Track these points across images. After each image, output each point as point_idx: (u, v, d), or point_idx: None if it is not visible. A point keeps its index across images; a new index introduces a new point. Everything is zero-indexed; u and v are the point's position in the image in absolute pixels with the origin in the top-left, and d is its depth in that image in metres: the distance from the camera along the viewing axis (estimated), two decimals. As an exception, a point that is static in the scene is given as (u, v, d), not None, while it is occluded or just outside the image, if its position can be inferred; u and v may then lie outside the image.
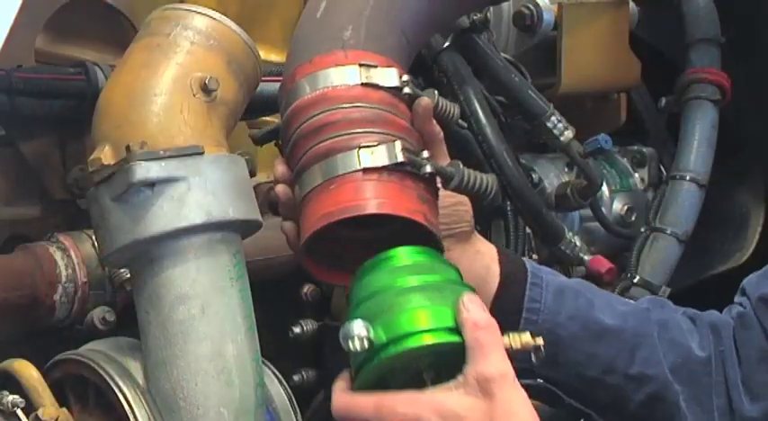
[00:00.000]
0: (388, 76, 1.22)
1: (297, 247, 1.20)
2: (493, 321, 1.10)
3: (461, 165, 1.20)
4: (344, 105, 1.19)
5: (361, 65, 1.21)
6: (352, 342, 1.08)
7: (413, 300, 1.11)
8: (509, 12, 1.87)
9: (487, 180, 1.21)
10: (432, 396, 1.09)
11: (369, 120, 1.19)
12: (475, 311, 1.10)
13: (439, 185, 1.20)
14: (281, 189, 1.21)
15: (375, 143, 1.16)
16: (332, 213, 1.15)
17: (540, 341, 1.13)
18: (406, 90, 1.22)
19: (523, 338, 1.14)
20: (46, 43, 1.52)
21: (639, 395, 1.25)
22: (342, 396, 1.12)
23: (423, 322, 1.10)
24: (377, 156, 1.16)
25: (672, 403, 1.25)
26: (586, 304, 1.27)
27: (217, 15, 1.30)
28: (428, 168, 1.17)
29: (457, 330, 1.10)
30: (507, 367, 1.09)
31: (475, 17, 1.73)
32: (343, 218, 1.15)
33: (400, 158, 1.15)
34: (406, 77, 1.23)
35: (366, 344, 1.09)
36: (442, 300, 1.12)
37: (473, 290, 1.15)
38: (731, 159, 2.09)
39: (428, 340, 1.10)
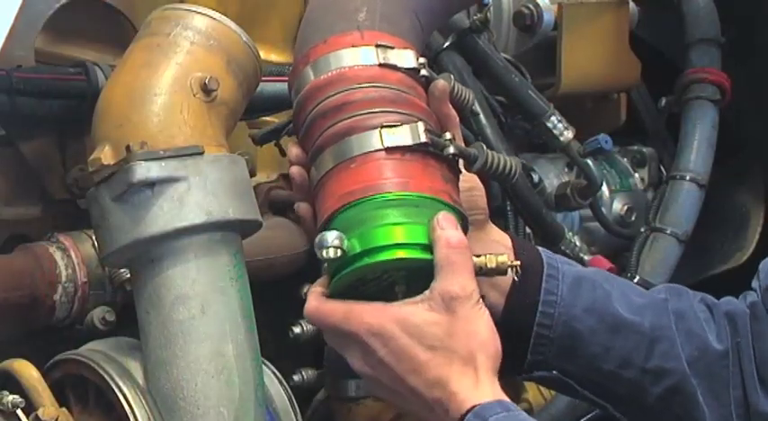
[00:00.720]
0: (406, 58, 1.21)
1: (312, 230, 1.20)
2: (465, 241, 1.12)
3: (484, 147, 1.19)
4: (363, 85, 1.18)
5: (377, 46, 1.20)
6: (326, 251, 1.11)
7: (390, 214, 1.13)
8: (509, 12, 1.87)
9: (511, 162, 1.21)
10: (398, 308, 1.12)
11: (388, 100, 1.18)
12: (448, 229, 1.12)
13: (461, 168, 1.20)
14: (295, 170, 1.21)
15: (398, 123, 1.16)
16: (354, 192, 1.15)
17: (516, 262, 1.16)
18: (423, 72, 1.22)
19: (499, 259, 1.16)
20: (46, 43, 1.52)
21: (657, 388, 1.24)
22: (315, 299, 1.16)
23: (397, 237, 1.13)
24: (399, 135, 1.15)
25: (690, 396, 1.24)
26: (603, 296, 1.25)
27: (217, 15, 1.30)
28: (451, 149, 1.16)
29: (429, 247, 1.13)
30: (473, 287, 1.12)
31: (475, 17, 1.73)
32: (365, 196, 1.14)
33: (423, 139, 1.14)
34: (422, 60, 1.22)
35: (339, 253, 1.12)
36: (419, 216, 1.14)
37: (455, 210, 1.16)
38: (731, 159, 2.09)
39: (400, 254, 1.13)
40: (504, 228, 1.72)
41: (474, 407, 1.09)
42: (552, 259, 1.27)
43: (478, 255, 1.16)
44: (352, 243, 1.13)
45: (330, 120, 1.18)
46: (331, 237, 1.12)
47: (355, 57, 1.20)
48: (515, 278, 1.20)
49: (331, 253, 1.12)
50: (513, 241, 1.27)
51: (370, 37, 1.21)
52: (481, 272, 1.16)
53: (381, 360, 1.13)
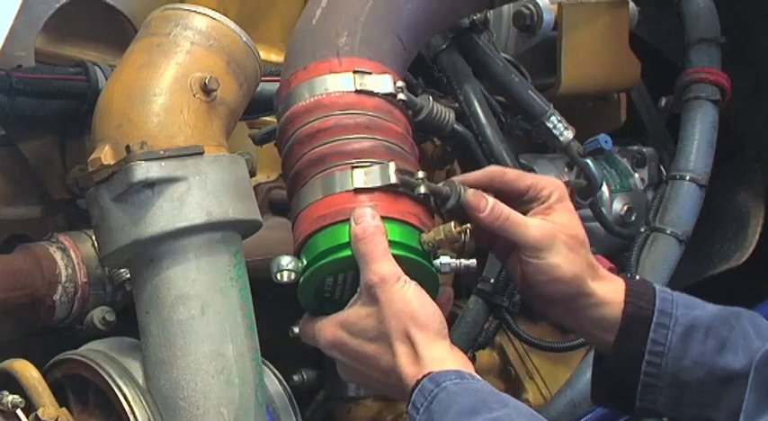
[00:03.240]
0: (383, 83, 1.24)
1: None
2: (372, 229, 1.15)
3: (458, 185, 1.21)
4: (338, 112, 1.21)
5: (355, 72, 1.23)
6: (280, 275, 1.18)
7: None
8: (509, 12, 1.87)
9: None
10: (341, 314, 1.17)
11: (362, 127, 1.21)
12: (360, 223, 1.16)
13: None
14: None
15: (368, 163, 1.18)
16: (325, 216, 1.18)
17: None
18: (401, 96, 1.24)
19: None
20: (46, 43, 1.52)
21: None
22: (303, 322, 1.24)
23: (326, 242, 1.18)
24: (370, 176, 1.19)
25: None
26: (715, 346, 1.22)
27: (217, 15, 1.30)
28: (422, 189, 1.19)
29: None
30: (387, 269, 1.14)
31: (475, 17, 1.73)
32: (337, 221, 1.17)
33: (393, 180, 1.18)
34: (400, 84, 1.24)
35: (293, 276, 1.18)
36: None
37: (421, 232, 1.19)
38: (731, 159, 2.09)
39: (325, 259, 1.18)
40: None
41: (422, 378, 1.11)
42: (668, 304, 1.24)
43: (429, 231, 1.19)
44: (302, 261, 1.19)
45: (306, 146, 1.22)
46: (285, 260, 1.18)
47: (333, 83, 1.23)
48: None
49: (285, 276, 1.18)
50: (626, 289, 1.26)
51: (348, 63, 1.24)
52: (434, 247, 1.19)
53: (347, 365, 1.18)
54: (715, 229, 2.10)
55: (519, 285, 1.28)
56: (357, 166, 1.19)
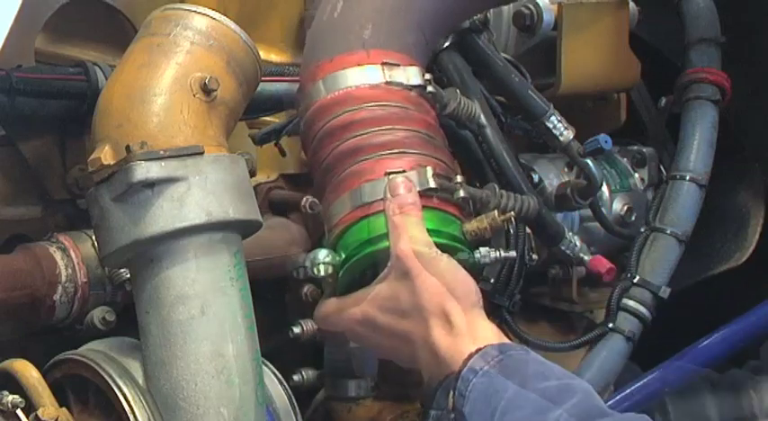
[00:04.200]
0: (411, 75, 1.23)
1: None
2: (410, 203, 1.13)
3: (497, 188, 1.20)
4: (369, 104, 1.20)
5: (383, 64, 1.22)
6: (317, 269, 1.17)
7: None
8: (509, 12, 1.87)
9: (527, 201, 1.22)
10: (371, 289, 1.15)
11: (394, 119, 1.20)
12: (395, 195, 1.14)
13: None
14: None
15: (402, 169, 1.18)
16: (363, 207, 1.19)
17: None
18: (430, 88, 1.23)
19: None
20: (46, 43, 1.52)
21: None
22: (323, 304, 1.21)
23: (366, 233, 1.17)
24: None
25: None
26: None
27: (217, 15, 1.30)
28: (461, 193, 1.18)
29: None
30: (419, 240, 1.12)
31: (475, 17, 1.73)
32: (375, 212, 1.16)
33: (432, 184, 1.16)
34: (428, 76, 1.23)
35: (330, 269, 1.17)
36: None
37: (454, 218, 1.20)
38: (731, 159, 2.09)
39: (365, 250, 1.17)
40: (505, 228, 1.73)
41: (462, 366, 1.08)
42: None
43: (471, 221, 1.19)
44: (339, 253, 1.18)
45: (337, 139, 1.21)
46: (322, 254, 1.18)
47: (361, 75, 1.22)
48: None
49: (322, 270, 1.17)
50: None
51: (375, 55, 1.23)
52: (477, 236, 1.19)
53: (378, 342, 1.17)
54: (715, 229, 2.10)
55: None
56: (392, 172, 1.17)
